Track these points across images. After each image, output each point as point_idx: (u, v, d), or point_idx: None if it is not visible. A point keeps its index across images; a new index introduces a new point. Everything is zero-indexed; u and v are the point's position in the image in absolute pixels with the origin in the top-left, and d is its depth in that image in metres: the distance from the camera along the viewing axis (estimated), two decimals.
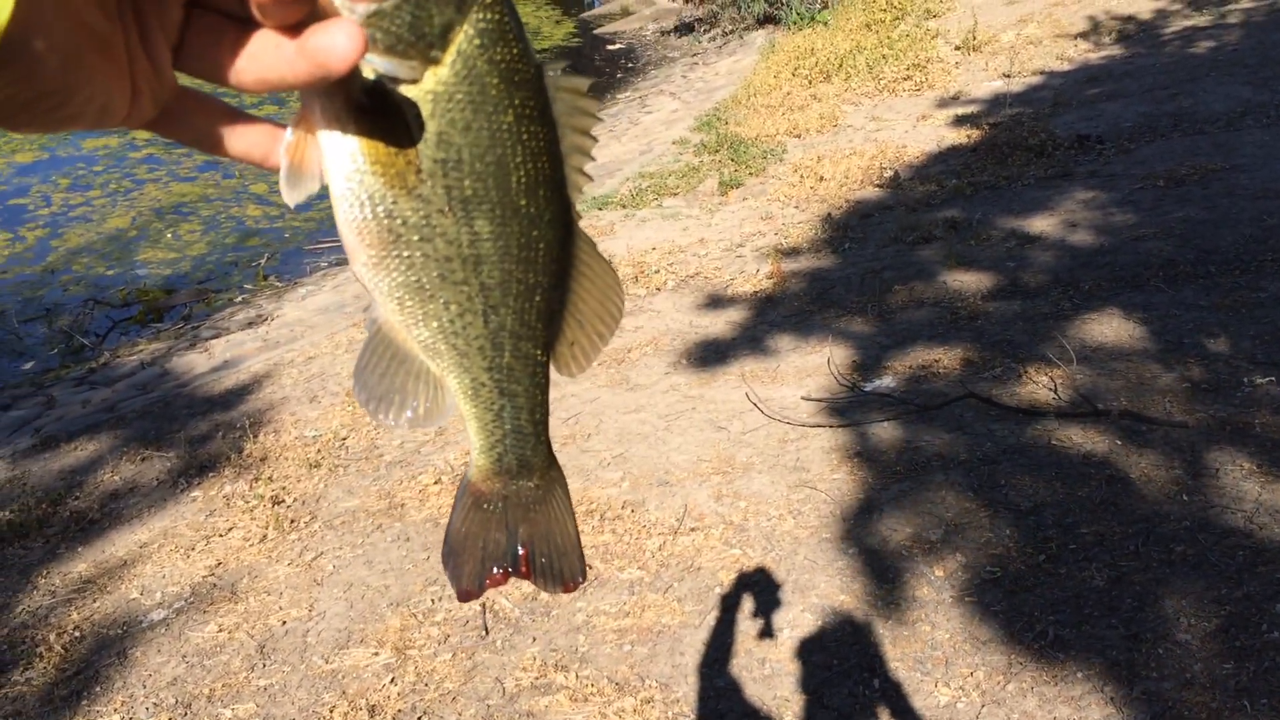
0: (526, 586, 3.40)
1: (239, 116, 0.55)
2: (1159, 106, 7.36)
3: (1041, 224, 5.73)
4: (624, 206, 7.34)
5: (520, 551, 0.71)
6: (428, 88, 0.54)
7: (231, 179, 9.86)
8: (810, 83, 9.59)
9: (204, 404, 5.27)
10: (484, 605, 3.35)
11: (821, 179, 7.24)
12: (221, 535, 3.97)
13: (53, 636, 3.47)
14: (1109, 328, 4.40)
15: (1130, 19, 9.63)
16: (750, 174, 7.71)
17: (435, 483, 4.12)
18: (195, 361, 6.13)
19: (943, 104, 8.50)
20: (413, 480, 4.18)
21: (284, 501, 4.14)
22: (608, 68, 13.78)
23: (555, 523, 0.71)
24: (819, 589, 3.18)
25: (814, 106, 8.95)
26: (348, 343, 5.79)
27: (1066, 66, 8.84)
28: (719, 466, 3.91)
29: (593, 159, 0.62)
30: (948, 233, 5.86)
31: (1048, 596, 2.97)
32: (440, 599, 3.42)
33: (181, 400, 5.39)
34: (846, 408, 4.19)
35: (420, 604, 3.41)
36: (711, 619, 3.13)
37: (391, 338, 0.62)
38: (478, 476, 0.69)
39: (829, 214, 6.59)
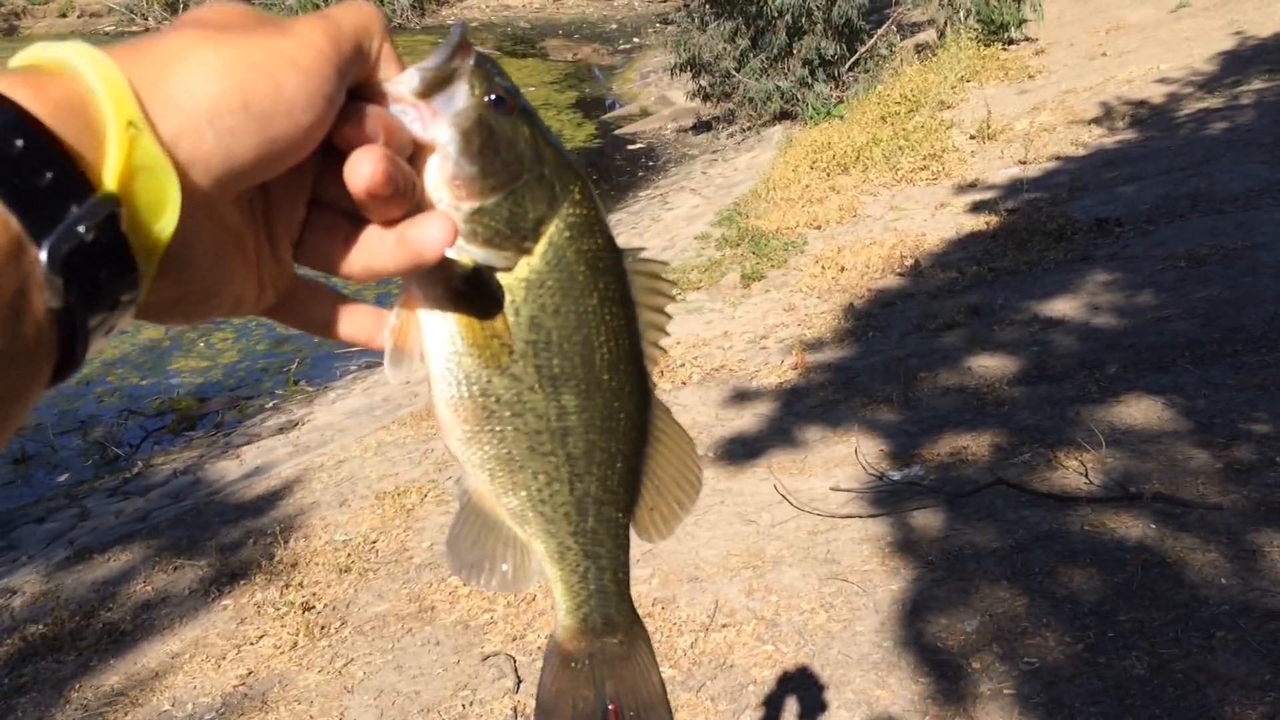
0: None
1: (346, 301, 0.61)
2: (1176, 188, 7.40)
3: (1064, 307, 5.74)
4: None
5: (609, 707, 0.73)
6: (521, 275, 0.59)
7: None
8: (828, 175, 9.73)
9: (235, 511, 5.30)
10: (515, 709, 3.31)
11: (843, 269, 7.30)
12: (252, 643, 3.97)
13: None
14: (1137, 410, 4.38)
15: (1142, 103, 9.75)
16: (772, 266, 7.79)
17: (465, 584, 4.11)
18: (227, 468, 6.19)
19: (960, 192, 8.59)
20: (443, 583, 4.17)
21: (314, 608, 4.14)
22: (629, 167, 14.04)
23: (641, 677, 0.74)
24: (854, 684, 3.13)
25: (833, 198, 9.07)
26: (377, 445, 5.84)
27: (1081, 152, 8.93)
28: (749, 560, 3.89)
29: (667, 334, 0.67)
30: (970, 319, 5.87)
31: (1088, 687, 2.91)
32: (471, 704, 3.39)
33: (213, 508, 5.43)
34: (876, 497, 4.16)
35: (451, 709, 3.38)
36: (746, 718, 3.09)
37: (481, 506, 0.66)
38: (565, 636, 0.72)
39: (851, 304, 6.63)
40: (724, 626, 3.53)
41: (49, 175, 0.42)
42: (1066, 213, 7.41)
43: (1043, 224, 7.25)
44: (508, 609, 3.89)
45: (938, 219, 8.08)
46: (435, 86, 0.55)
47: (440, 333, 0.59)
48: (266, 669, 3.79)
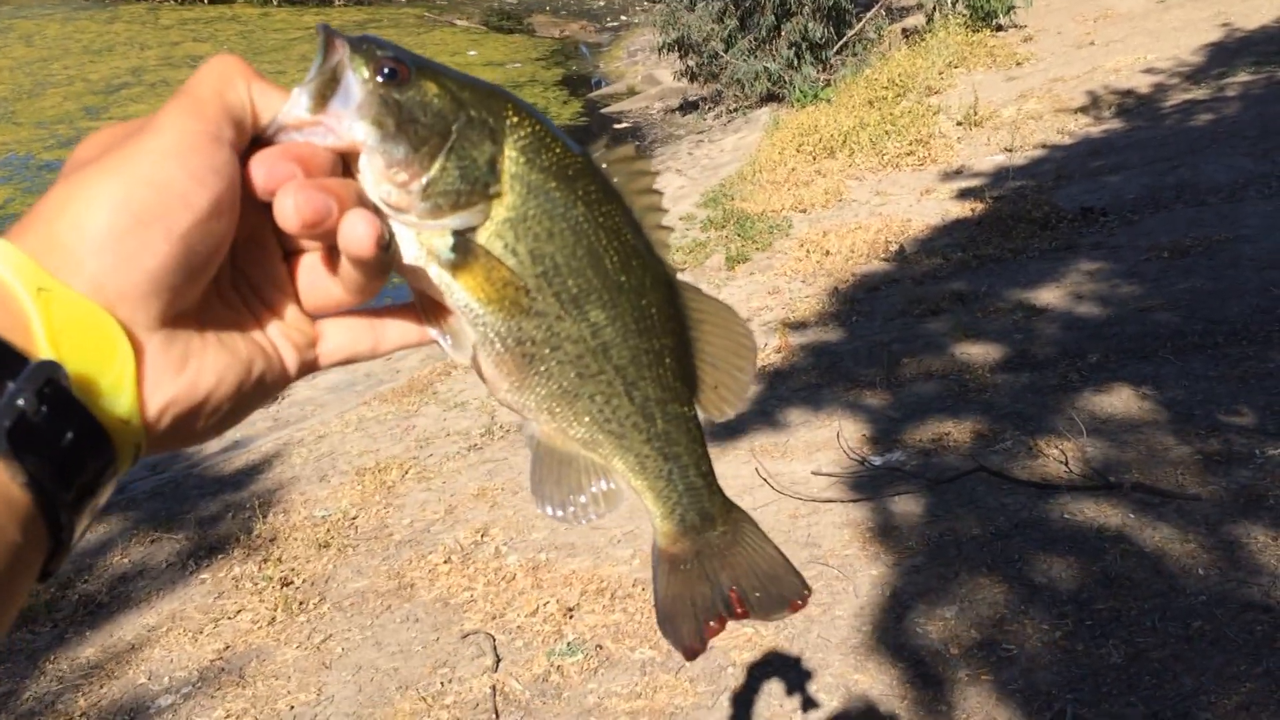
0: (536, 667, 3.37)
1: (377, 314, 0.61)
2: (1161, 178, 7.43)
3: (1048, 296, 5.76)
4: None
5: (730, 595, 0.72)
6: (501, 217, 0.58)
7: None
8: (814, 159, 9.72)
9: (214, 484, 5.27)
10: (494, 688, 3.31)
11: (827, 253, 7.30)
12: (230, 618, 3.95)
13: None
14: (1118, 399, 4.40)
15: (1129, 93, 9.77)
16: (757, 249, 7.78)
17: (445, 561, 4.10)
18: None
19: (946, 178, 8.59)
20: (422, 560, 4.16)
21: (293, 583, 4.12)
22: (614, 146, 13.97)
23: (756, 555, 0.73)
24: (833, 668, 3.14)
25: (819, 182, 9.06)
26: (358, 420, 5.81)
27: (1068, 140, 8.95)
28: None
29: (665, 211, 0.65)
30: (954, 305, 5.88)
31: (1066, 674, 2.93)
32: (450, 681, 3.39)
33: (192, 481, 5.39)
34: (857, 482, 4.17)
35: (430, 687, 3.37)
36: (725, 700, 3.09)
37: (552, 445, 0.65)
38: (666, 541, 0.71)
39: (836, 287, 6.63)
40: None
41: None
42: (1052, 201, 7.42)
43: (1028, 212, 7.27)
44: (487, 587, 3.88)
45: (923, 204, 8.09)
46: (325, 92, 0.54)
47: (460, 306, 0.58)
48: (244, 643, 3.78)
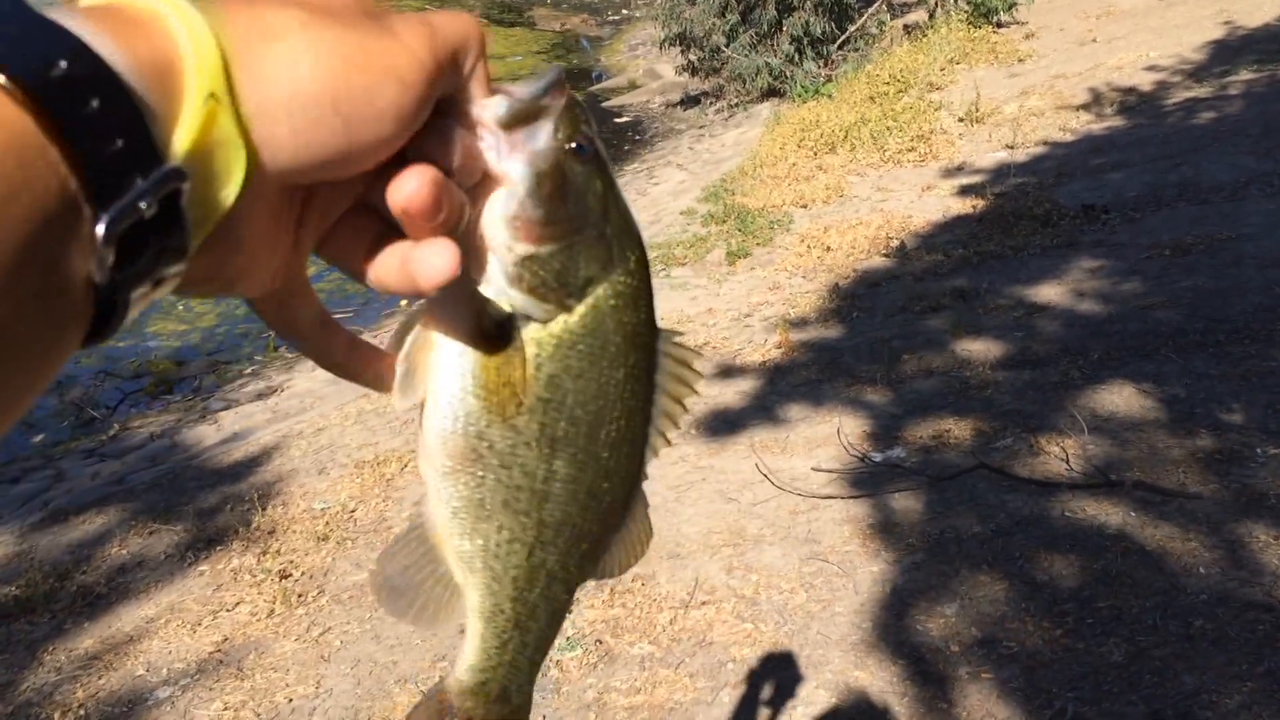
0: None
1: (331, 322, 0.58)
2: (1163, 176, 7.42)
3: (1049, 293, 5.75)
4: None
5: None
6: (555, 331, 0.56)
7: None
8: (816, 154, 9.70)
9: (213, 476, 5.26)
10: None
11: (828, 249, 7.29)
12: (229, 610, 3.94)
13: (58, 715, 3.43)
14: (1119, 397, 4.39)
15: (1131, 90, 9.76)
16: (757, 244, 7.77)
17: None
18: (204, 433, 6.13)
19: (947, 174, 8.58)
20: None
21: (291, 575, 4.11)
22: (615, 140, 13.96)
23: None
24: (833, 664, 3.14)
25: (820, 177, 9.04)
26: (357, 414, 5.80)
27: (1069, 137, 8.94)
28: (730, 538, 3.89)
29: (678, 428, 0.64)
30: (955, 302, 5.87)
31: (1066, 672, 2.92)
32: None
33: (191, 473, 5.38)
34: (858, 479, 4.16)
35: (429, 680, 3.37)
36: (725, 695, 3.09)
37: (430, 537, 0.62)
38: (454, 690, 0.68)
39: (836, 284, 6.62)
40: (704, 604, 3.53)
41: (120, 142, 0.39)
42: (1053, 198, 7.41)
43: (1029, 209, 7.26)
44: None
45: (924, 201, 8.08)
46: (521, 119, 0.53)
47: (454, 365, 0.56)
48: (243, 635, 3.77)
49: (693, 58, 14.17)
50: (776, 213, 8.35)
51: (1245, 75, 9.34)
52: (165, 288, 0.44)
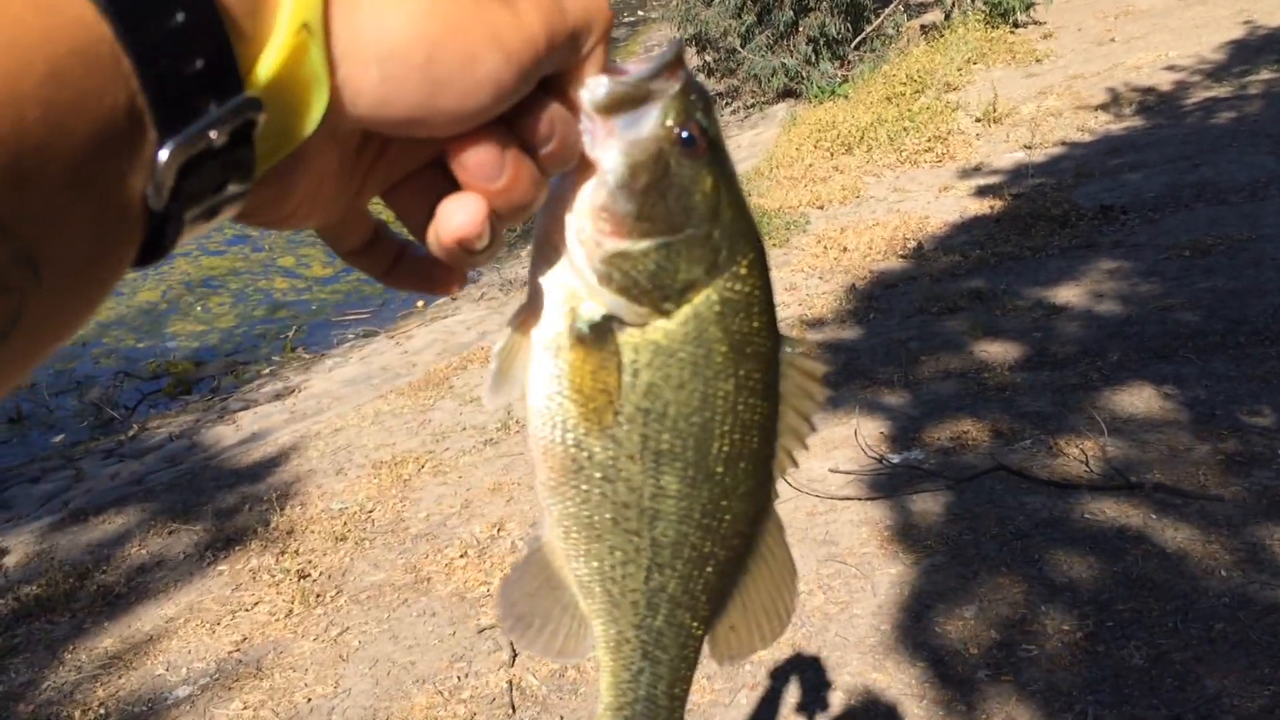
0: (553, 663, 3.36)
1: (407, 246, 0.55)
2: (1182, 177, 7.37)
3: (1067, 294, 5.72)
4: None
5: None
6: (651, 337, 0.52)
7: (260, 252, 10.01)
8: (832, 155, 9.68)
9: (231, 476, 5.29)
10: (510, 683, 3.31)
11: (845, 250, 7.27)
12: (247, 610, 3.96)
13: (78, 714, 3.45)
14: (1139, 399, 4.37)
15: (1150, 90, 9.70)
16: (774, 245, 7.76)
17: (461, 556, 4.10)
18: (223, 434, 6.16)
19: (965, 175, 8.55)
20: (439, 553, 4.16)
21: (310, 575, 4.13)
22: None
23: None
24: (851, 667, 3.13)
25: (836, 178, 9.02)
26: (374, 414, 5.82)
27: (1088, 138, 8.89)
28: None
29: (805, 447, 0.60)
30: (973, 303, 5.85)
31: (1086, 675, 2.91)
32: (467, 675, 3.39)
33: (209, 473, 5.41)
34: (876, 480, 4.15)
35: (447, 681, 3.37)
36: (742, 697, 3.08)
37: (550, 562, 0.60)
38: None
39: (853, 285, 6.60)
40: None
41: (199, 63, 0.36)
42: (1071, 199, 7.37)
43: (1047, 209, 7.22)
44: None
45: (941, 201, 8.05)
46: (623, 104, 0.49)
47: (547, 369, 0.53)
48: (261, 635, 3.79)
49: (708, 59, 14.15)
50: (793, 213, 8.34)
51: (1265, 75, 9.27)
52: (221, 217, 0.42)
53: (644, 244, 0.50)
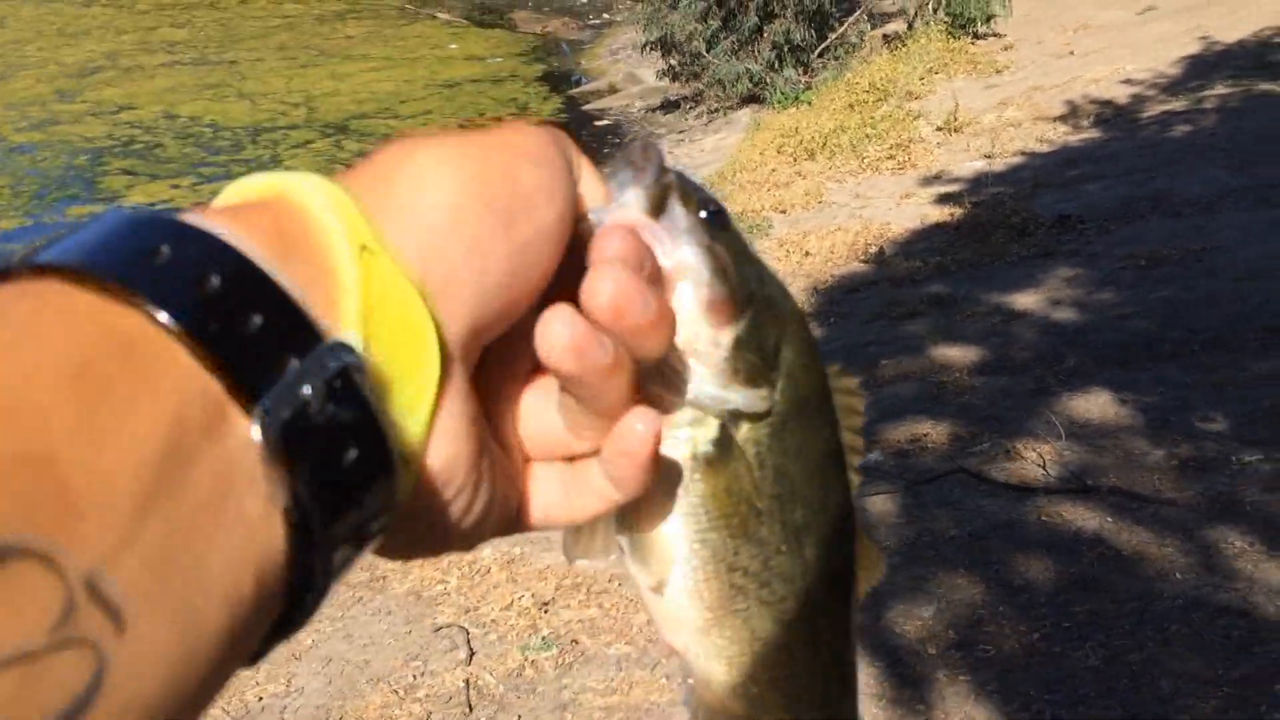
0: (510, 661, 3.33)
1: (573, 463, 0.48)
2: (1138, 188, 7.48)
3: (1025, 301, 5.78)
4: None
5: None
6: (766, 419, 0.49)
7: None
8: (795, 160, 9.73)
9: None
10: (467, 681, 3.27)
11: (807, 254, 7.30)
12: None
13: None
14: (1095, 404, 4.41)
15: (1108, 103, 9.84)
16: None
17: None
18: None
19: (926, 183, 8.62)
20: None
21: None
22: (595, 143, 13.96)
23: None
24: None
25: (799, 183, 9.07)
26: None
27: (1046, 148, 9.00)
28: None
29: (863, 455, 0.57)
30: (933, 308, 5.89)
31: (1043, 676, 2.93)
32: (423, 674, 3.35)
33: None
34: None
35: (402, 679, 3.33)
36: None
37: (710, 708, 0.54)
38: None
39: (815, 289, 6.63)
40: None
41: (258, 320, 0.30)
42: (1029, 208, 7.46)
43: (1006, 218, 7.29)
44: (461, 580, 3.84)
45: (903, 208, 8.11)
46: (657, 206, 0.46)
47: (680, 510, 0.48)
48: None
49: (673, 62, 14.19)
50: (755, 217, 8.36)
51: (1220, 90, 9.43)
52: (378, 527, 0.35)
53: (745, 320, 0.48)
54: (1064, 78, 10.89)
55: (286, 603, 0.32)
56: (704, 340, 0.46)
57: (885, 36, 13.95)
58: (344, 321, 0.33)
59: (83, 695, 0.25)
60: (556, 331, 0.37)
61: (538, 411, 0.44)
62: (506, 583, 3.78)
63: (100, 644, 0.25)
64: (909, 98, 11.05)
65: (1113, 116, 9.54)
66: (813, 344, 0.51)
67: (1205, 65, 10.28)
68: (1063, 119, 9.69)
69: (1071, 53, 11.79)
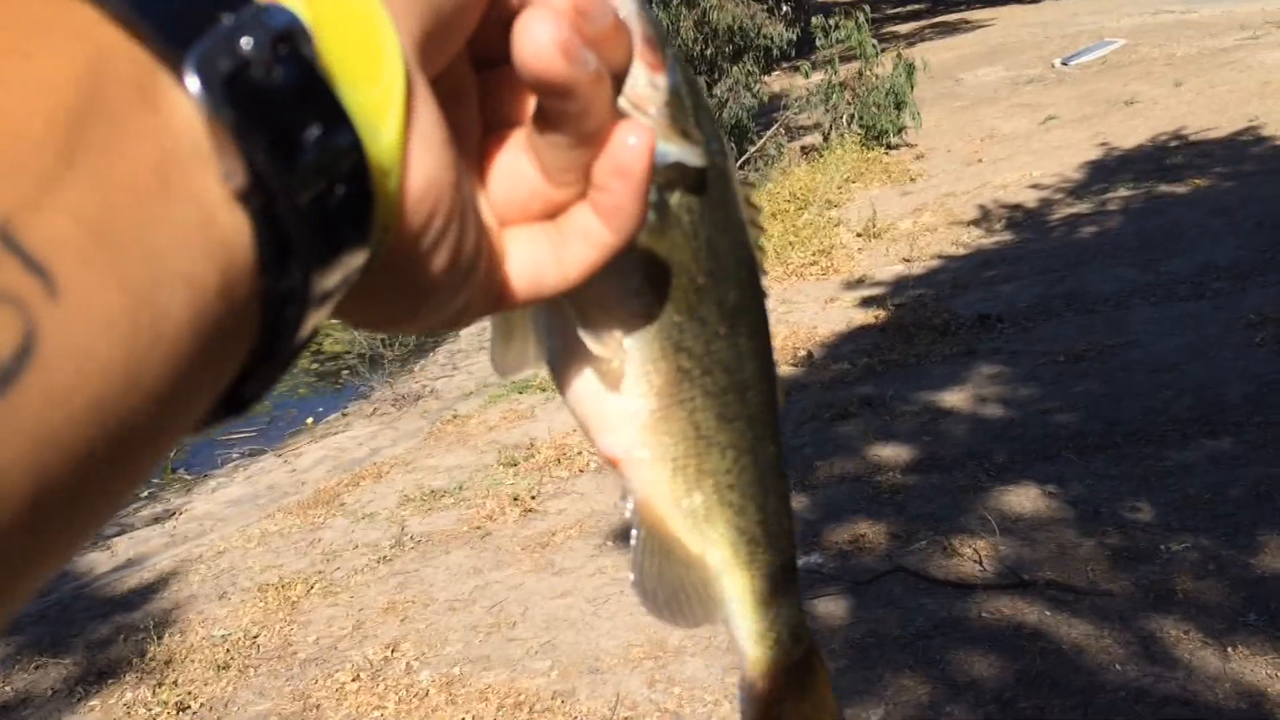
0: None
1: (556, 221, 0.43)
2: (1052, 288, 7.73)
3: (952, 399, 5.89)
4: (544, 390, 7.37)
5: None
6: (693, 184, 0.45)
7: None
8: None
9: (105, 605, 5.00)
10: None
11: None
12: None
13: None
14: (1026, 498, 4.48)
15: (1017, 207, 10.22)
16: None
17: (354, 680, 3.93)
18: (97, 560, 5.84)
19: (849, 287, 8.82)
20: (329, 678, 3.98)
21: (189, 708, 3.90)
22: None
23: (822, 706, 0.58)
24: None
25: None
26: (260, 535, 5.60)
27: (962, 251, 9.29)
28: (650, 651, 3.81)
29: (764, 230, 0.53)
30: (863, 409, 5.97)
31: None
32: None
33: (81, 602, 5.11)
34: None
35: None
36: None
37: (653, 526, 0.51)
38: (760, 671, 0.57)
39: None
40: (626, 719, 3.43)
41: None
42: (950, 309, 7.66)
43: (928, 319, 7.47)
44: (399, 705, 3.72)
45: (828, 312, 8.27)
46: None
47: (633, 285, 0.45)
48: None
49: None
50: None
51: (1123, 192, 9.86)
52: (348, 259, 0.30)
53: (674, 70, 0.44)
54: (975, 184, 11.31)
55: (261, 333, 0.28)
56: (642, 82, 0.43)
57: (803, 148, 14.41)
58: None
59: (10, 363, 0.21)
60: (541, 31, 0.33)
61: (504, 171, 0.40)
62: (446, 705, 3.67)
63: (24, 300, 0.22)
64: (828, 206, 11.37)
65: (1023, 220, 9.90)
66: (711, 111, 0.47)
67: (1107, 170, 10.76)
68: (976, 223, 10.03)
69: (980, 160, 12.27)
